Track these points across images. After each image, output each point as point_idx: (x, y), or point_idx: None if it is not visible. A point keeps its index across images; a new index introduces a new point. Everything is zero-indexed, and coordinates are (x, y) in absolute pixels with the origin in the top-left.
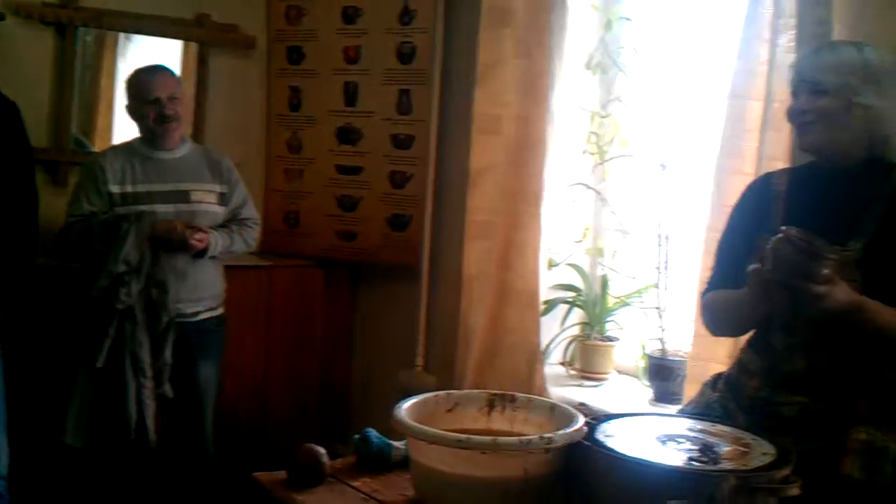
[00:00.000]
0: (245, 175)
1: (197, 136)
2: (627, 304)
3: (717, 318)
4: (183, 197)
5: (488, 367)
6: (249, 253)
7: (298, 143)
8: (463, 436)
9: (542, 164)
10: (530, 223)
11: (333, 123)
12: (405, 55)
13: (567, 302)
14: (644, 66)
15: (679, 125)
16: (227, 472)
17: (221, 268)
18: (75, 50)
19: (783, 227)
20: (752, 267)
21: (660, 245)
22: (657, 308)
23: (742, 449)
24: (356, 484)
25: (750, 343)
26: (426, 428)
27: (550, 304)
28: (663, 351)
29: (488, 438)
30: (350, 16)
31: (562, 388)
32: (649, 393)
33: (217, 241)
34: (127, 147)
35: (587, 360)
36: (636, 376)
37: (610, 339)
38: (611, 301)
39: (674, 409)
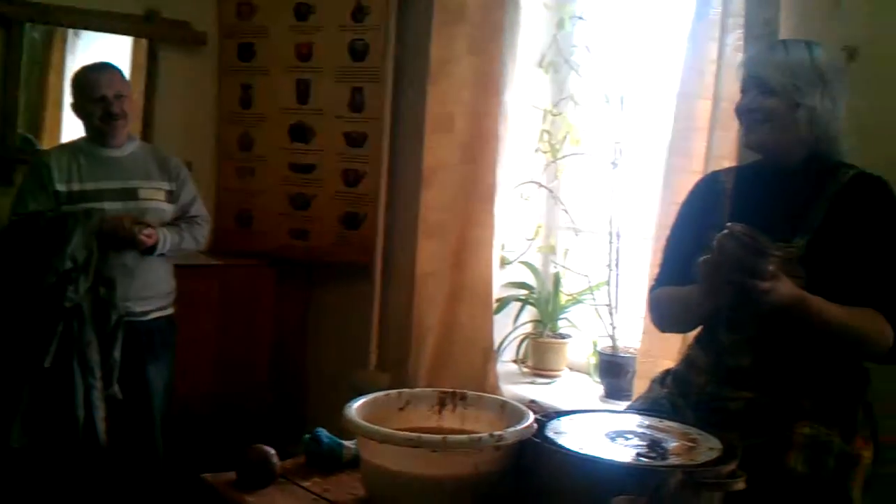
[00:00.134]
0: (196, 173)
1: (147, 133)
2: (579, 302)
3: (664, 315)
4: (131, 195)
5: (442, 365)
6: (201, 252)
7: (250, 140)
8: (413, 435)
9: (495, 162)
10: (483, 221)
11: (286, 121)
12: (358, 52)
13: (520, 300)
14: (596, 65)
15: (630, 124)
16: (178, 473)
17: (171, 266)
18: (22, 46)
19: (728, 224)
20: (701, 258)
21: (611, 243)
22: (608, 305)
23: (689, 444)
24: (306, 484)
25: (697, 339)
26: (376, 427)
27: (503, 302)
28: (614, 348)
29: (438, 437)
30: (302, 13)
31: (515, 386)
32: (600, 390)
33: (166, 239)
34: (73, 145)
35: (540, 357)
36: (588, 373)
37: (562, 336)
38: (563, 299)
39: (624, 405)
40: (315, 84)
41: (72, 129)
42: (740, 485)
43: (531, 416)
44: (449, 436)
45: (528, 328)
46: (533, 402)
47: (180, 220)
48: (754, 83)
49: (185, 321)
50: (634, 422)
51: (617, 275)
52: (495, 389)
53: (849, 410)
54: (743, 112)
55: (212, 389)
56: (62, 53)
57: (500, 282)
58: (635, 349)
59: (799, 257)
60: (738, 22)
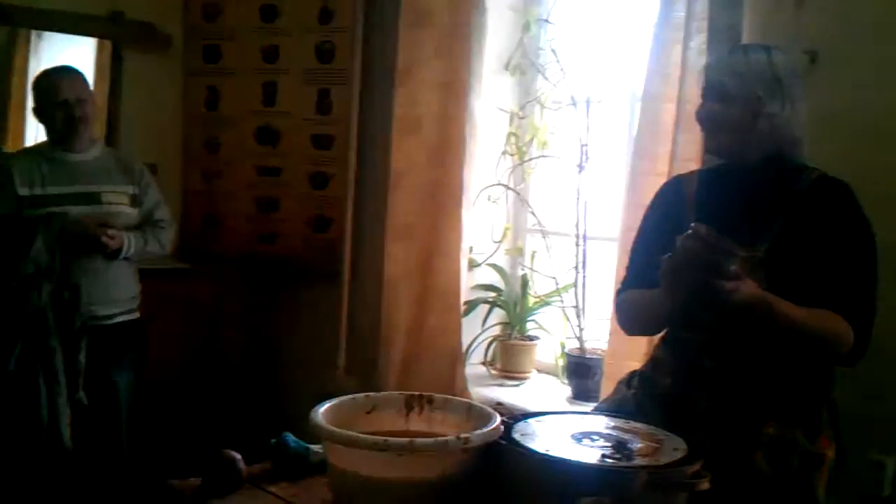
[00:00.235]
0: (162, 176)
1: (111, 136)
2: (547, 304)
3: (630, 318)
4: (94, 199)
5: (410, 368)
6: (167, 256)
7: (216, 143)
8: (379, 438)
9: (462, 165)
10: (451, 224)
11: (252, 124)
12: (324, 54)
13: (488, 302)
14: (562, 68)
15: (596, 126)
16: (144, 479)
17: (136, 270)
18: None
19: (693, 224)
20: (664, 257)
21: (578, 245)
22: (576, 307)
23: (655, 445)
24: (273, 489)
25: (663, 340)
26: (342, 431)
27: (471, 305)
28: (582, 350)
29: (405, 440)
30: (268, 14)
31: (483, 388)
32: (568, 391)
33: (131, 242)
34: (35, 150)
35: (508, 359)
36: (556, 375)
37: (530, 338)
38: (531, 301)
39: (592, 406)
40: (282, 86)
41: (36, 132)
42: (705, 485)
43: (498, 419)
44: (416, 439)
45: (497, 330)
46: (500, 404)
47: (145, 224)
48: (714, 90)
49: (151, 325)
50: (601, 423)
51: (584, 277)
52: (464, 392)
53: (813, 410)
54: (703, 118)
55: (179, 394)
56: (25, 55)
57: (468, 284)
58: (603, 351)
59: (761, 261)
60: (702, 26)
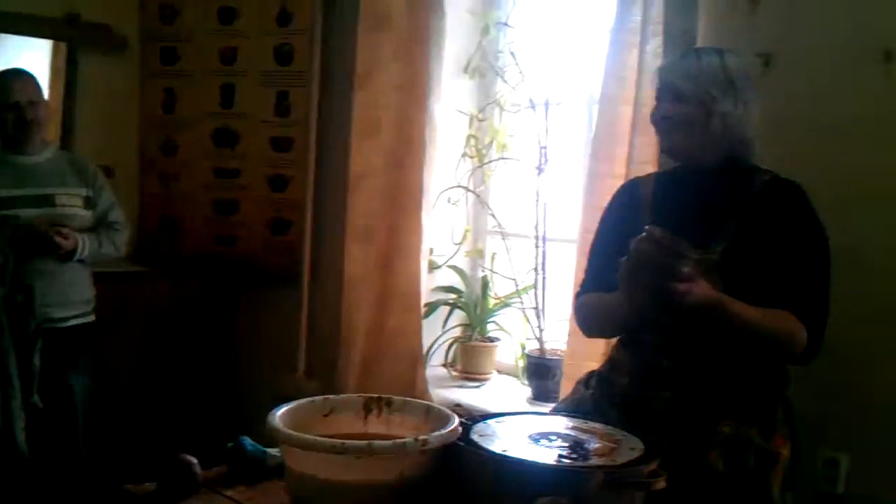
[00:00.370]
0: (119, 179)
1: (67, 139)
2: (507, 306)
3: (589, 321)
4: (47, 201)
5: (370, 370)
6: (126, 259)
7: (174, 146)
8: (337, 441)
9: (422, 167)
10: (411, 226)
11: (210, 126)
12: (283, 56)
13: (448, 304)
14: (521, 71)
15: (555, 129)
16: (100, 483)
17: (90, 273)
18: None
19: (647, 227)
20: (620, 272)
21: (537, 247)
22: (535, 308)
23: (612, 445)
24: (230, 493)
25: (620, 341)
26: (299, 434)
27: (432, 307)
28: (542, 350)
29: (363, 443)
30: (226, 16)
31: (444, 390)
32: (529, 392)
33: (85, 244)
34: None
35: (469, 361)
36: (517, 376)
37: (491, 339)
38: (491, 302)
39: (551, 407)
40: (240, 88)
41: None
42: (661, 484)
43: (456, 420)
44: (373, 441)
45: (457, 332)
46: (458, 405)
47: (99, 226)
48: (667, 91)
49: (108, 329)
50: (560, 424)
51: (543, 278)
52: (424, 394)
53: (768, 409)
54: (657, 119)
55: (135, 397)
56: None
57: (428, 286)
58: (562, 351)
59: (716, 262)
60: (658, 29)
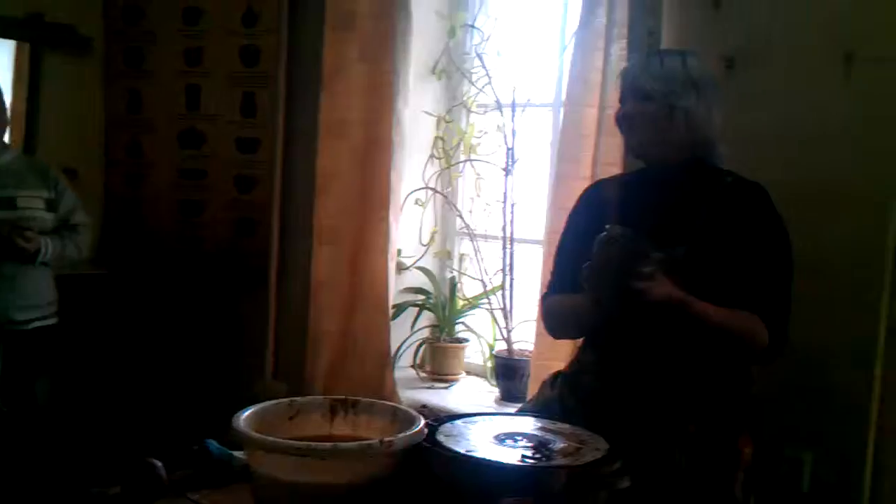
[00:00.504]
0: (83, 180)
1: (30, 141)
2: (476, 307)
3: (556, 323)
4: (9, 204)
5: (339, 372)
6: (87, 261)
7: (139, 147)
8: (302, 443)
9: (389, 169)
10: (378, 227)
11: (175, 127)
12: (249, 57)
13: (417, 305)
14: (488, 73)
15: (522, 130)
16: (64, 487)
17: (52, 276)
18: None
19: (608, 226)
20: (584, 273)
21: (505, 248)
22: (503, 309)
23: (577, 445)
24: (195, 496)
25: (587, 341)
26: (265, 437)
27: (400, 308)
28: (510, 351)
29: (328, 445)
30: (191, 17)
31: (413, 391)
32: (497, 393)
33: (48, 246)
34: None
35: (437, 362)
36: (485, 377)
37: (459, 341)
38: (459, 303)
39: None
40: (205, 89)
41: None
42: (625, 483)
43: (422, 421)
44: (338, 443)
45: (426, 333)
46: (424, 406)
47: (62, 228)
48: (631, 91)
49: (71, 332)
50: (527, 424)
51: (511, 279)
52: (393, 395)
53: (732, 409)
54: (621, 119)
55: (99, 400)
56: None
57: (396, 287)
58: (530, 352)
59: (680, 262)
60: (623, 32)
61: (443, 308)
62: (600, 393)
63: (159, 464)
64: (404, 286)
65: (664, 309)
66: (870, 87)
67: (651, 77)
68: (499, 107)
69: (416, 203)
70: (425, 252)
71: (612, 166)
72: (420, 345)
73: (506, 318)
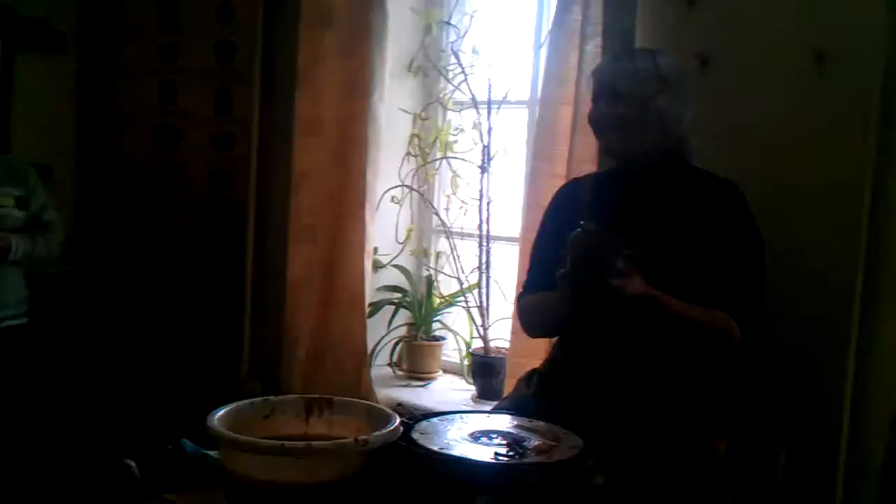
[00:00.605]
0: (57, 178)
1: (3, 137)
2: (453, 304)
3: (532, 322)
4: None
5: (315, 371)
6: (59, 260)
7: (113, 144)
8: (276, 442)
9: (365, 166)
10: (354, 225)
11: (150, 124)
12: (225, 53)
13: (393, 303)
14: (463, 71)
15: (499, 128)
16: (37, 487)
17: (23, 274)
18: None
19: (581, 223)
20: (559, 272)
21: (481, 245)
22: (480, 307)
23: (551, 443)
24: (170, 496)
25: (561, 339)
26: (238, 436)
27: (377, 306)
28: (486, 349)
29: (302, 443)
30: (166, 12)
31: (389, 390)
32: (474, 391)
33: (18, 244)
34: None
35: (414, 360)
36: (462, 375)
37: (436, 339)
38: (436, 301)
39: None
40: (180, 85)
41: None
42: (599, 480)
43: (397, 420)
44: (313, 442)
45: (402, 331)
46: (400, 405)
47: (33, 226)
48: (604, 91)
49: (43, 331)
50: (503, 422)
51: (488, 277)
52: (369, 394)
53: (707, 407)
54: (595, 119)
55: (71, 400)
56: None
57: (373, 286)
58: (507, 350)
59: (653, 260)
60: (598, 30)
61: (419, 306)
62: (575, 390)
63: (133, 463)
64: (381, 284)
65: (638, 305)
66: (842, 85)
67: (624, 77)
68: (475, 104)
69: (393, 201)
70: (402, 250)
71: (587, 164)
72: (397, 343)
73: (482, 315)
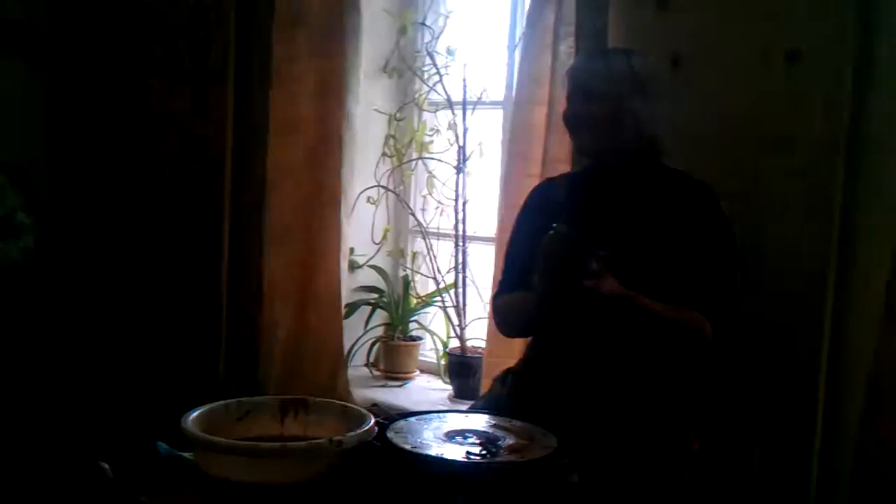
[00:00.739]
0: (28, 178)
1: None
2: (429, 305)
3: (508, 322)
4: None
5: (292, 372)
6: (32, 260)
7: (86, 145)
8: (250, 444)
9: (340, 167)
10: (330, 226)
11: (125, 125)
12: (198, 54)
13: (370, 304)
14: (438, 71)
15: (474, 128)
16: (7, 490)
17: None
18: None
19: (554, 225)
20: (533, 274)
21: (457, 245)
22: (456, 307)
23: (525, 442)
24: (144, 499)
25: (536, 339)
26: (212, 437)
27: (353, 307)
28: (463, 349)
29: (276, 444)
30: (139, 11)
31: (366, 390)
32: (451, 390)
33: None
34: None
35: (391, 360)
36: (439, 375)
37: (413, 339)
38: (413, 302)
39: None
40: (154, 86)
41: None
42: (573, 478)
43: (372, 420)
44: (287, 443)
45: (379, 332)
46: (375, 405)
47: (3, 229)
48: (577, 91)
49: (14, 332)
50: (478, 422)
51: (464, 277)
52: (346, 394)
53: (681, 405)
54: (568, 117)
55: (43, 402)
56: None
57: (349, 286)
58: (483, 350)
59: (626, 259)
60: (570, 30)
61: (396, 306)
62: (548, 390)
63: (106, 466)
64: (357, 285)
65: (612, 305)
66: (813, 84)
67: (597, 77)
68: (450, 105)
69: (369, 201)
70: (378, 250)
71: (562, 163)
72: (373, 343)
73: (459, 315)
